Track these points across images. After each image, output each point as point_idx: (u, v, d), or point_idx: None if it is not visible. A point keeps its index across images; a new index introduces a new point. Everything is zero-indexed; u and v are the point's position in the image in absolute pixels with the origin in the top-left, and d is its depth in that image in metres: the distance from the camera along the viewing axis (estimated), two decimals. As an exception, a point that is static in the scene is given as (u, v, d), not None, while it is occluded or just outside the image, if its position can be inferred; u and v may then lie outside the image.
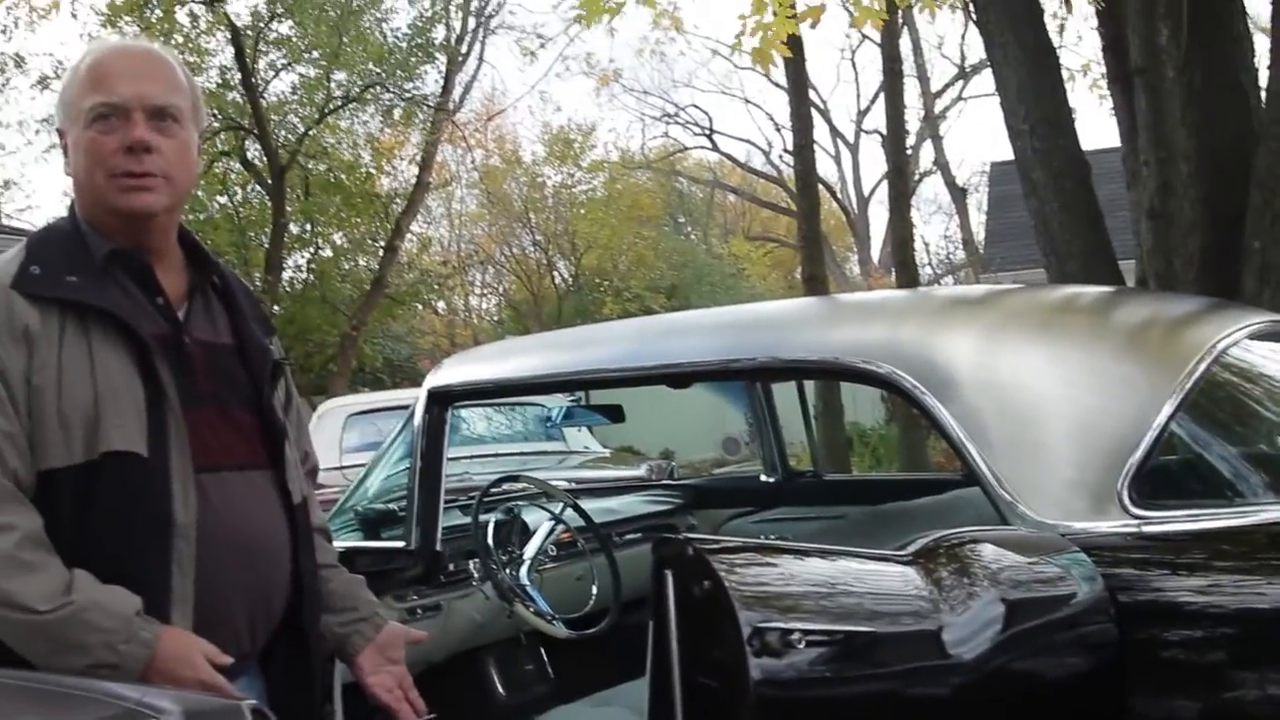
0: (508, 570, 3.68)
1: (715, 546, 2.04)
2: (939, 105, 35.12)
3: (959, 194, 34.51)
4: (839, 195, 38.38)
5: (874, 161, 47.60)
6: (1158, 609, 2.19)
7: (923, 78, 33.33)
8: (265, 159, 22.44)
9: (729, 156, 39.09)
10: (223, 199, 23.97)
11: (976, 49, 32.39)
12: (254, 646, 2.36)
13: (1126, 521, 2.27)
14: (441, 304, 34.97)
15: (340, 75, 23.72)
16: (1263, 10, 8.43)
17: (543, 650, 4.16)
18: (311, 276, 25.18)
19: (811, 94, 20.02)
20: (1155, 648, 2.18)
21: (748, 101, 63.15)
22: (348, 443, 11.85)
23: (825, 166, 35.56)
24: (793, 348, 2.89)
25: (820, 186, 20.05)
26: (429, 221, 34.12)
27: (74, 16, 23.63)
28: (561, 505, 3.87)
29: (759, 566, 2.08)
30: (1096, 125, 36.27)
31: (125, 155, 2.30)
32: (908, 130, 20.54)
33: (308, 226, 24.96)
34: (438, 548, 3.44)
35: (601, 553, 3.79)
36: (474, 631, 3.83)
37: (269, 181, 22.60)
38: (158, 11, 21.19)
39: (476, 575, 3.72)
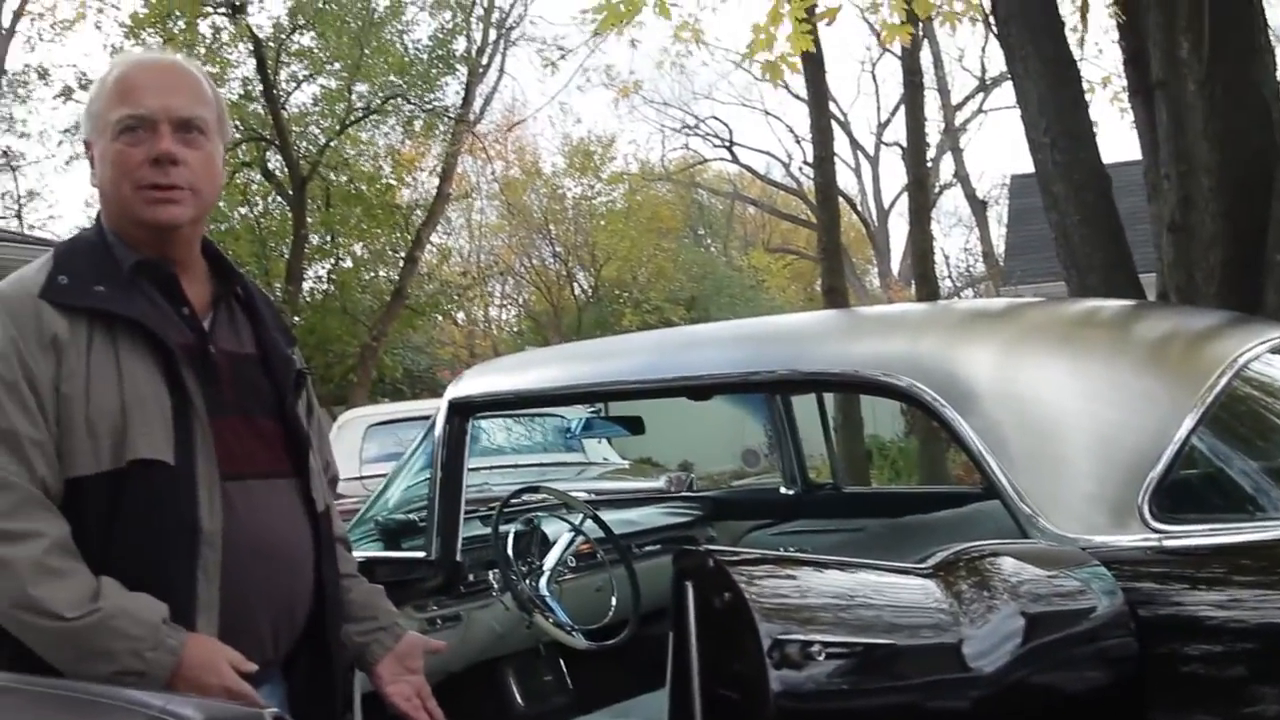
0: (527, 581, 3.69)
1: (736, 558, 2.04)
2: (959, 118, 35.12)
3: (979, 207, 34.48)
4: (859, 208, 38.34)
5: (894, 174, 47.58)
6: (1178, 623, 2.18)
7: (943, 90, 33.31)
8: (286, 170, 22.55)
9: (749, 168, 39.11)
10: (244, 210, 24.08)
11: (997, 61, 32.45)
12: (277, 654, 2.37)
13: (1147, 536, 2.27)
14: (461, 315, 35.03)
15: (361, 87, 23.84)
16: (1285, 23, 8.41)
17: (562, 661, 4.16)
18: (332, 287, 25.27)
19: (832, 106, 19.99)
20: (1175, 662, 2.18)
21: (768, 114, 63.08)
22: (368, 453, 11.85)
23: (845, 179, 35.55)
24: (813, 360, 2.89)
25: (840, 199, 20.08)
26: (449, 232, 34.23)
27: (98, 28, 23.84)
28: (581, 516, 3.87)
29: (779, 579, 2.08)
30: (1117, 138, 36.17)
31: (152, 167, 2.31)
32: (928, 143, 20.57)
33: (328, 237, 25.05)
34: (458, 558, 3.44)
35: (621, 564, 3.79)
36: (493, 642, 3.84)
37: (290, 192, 22.71)
38: (180, 23, 21.31)
39: (496, 586, 3.73)
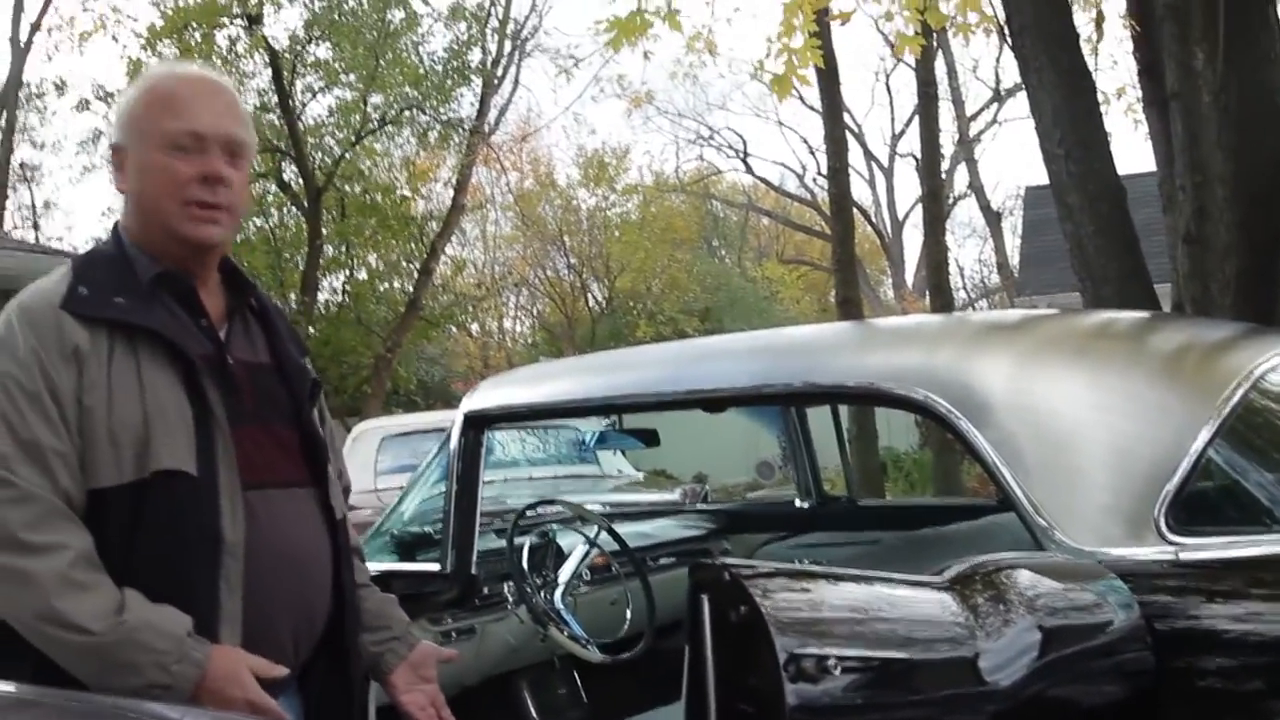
0: (542, 594, 3.69)
1: (751, 571, 2.04)
2: (973, 129, 35.08)
3: (993, 217, 34.44)
4: (873, 219, 38.33)
5: (908, 185, 47.50)
6: (1195, 636, 2.18)
7: (957, 101, 33.27)
8: (302, 181, 22.59)
9: (763, 179, 39.14)
10: (259, 220, 24.11)
11: (1011, 72, 32.46)
12: (296, 663, 2.37)
13: (1163, 548, 2.26)
14: (475, 326, 35.06)
15: (377, 98, 23.85)
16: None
17: (576, 674, 4.16)
18: (347, 298, 25.28)
19: (846, 117, 20.00)
20: (1192, 676, 2.17)
21: (782, 125, 63.09)
22: (382, 465, 11.87)
23: (859, 190, 35.60)
24: (828, 373, 2.89)
25: (854, 210, 20.03)
26: (463, 244, 34.32)
27: (115, 40, 23.95)
28: (596, 529, 3.88)
29: (794, 592, 2.07)
30: (1132, 149, 36.13)
31: (200, 185, 2.34)
32: (942, 154, 20.55)
33: (343, 248, 25.07)
34: (473, 571, 3.45)
35: (636, 577, 3.79)
36: (508, 655, 3.84)
37: (305, 203, 22.74)
38: (197, 35, 21.39)
39: (511, 599, 3.73)
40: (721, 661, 1.98)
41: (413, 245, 25.73)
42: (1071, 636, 2.14)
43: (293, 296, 22.17)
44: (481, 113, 26.08)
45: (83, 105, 23.99)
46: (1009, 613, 2.09)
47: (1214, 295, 5.85)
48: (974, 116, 35.15)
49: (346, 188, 24.16)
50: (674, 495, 5.39)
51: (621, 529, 3.93)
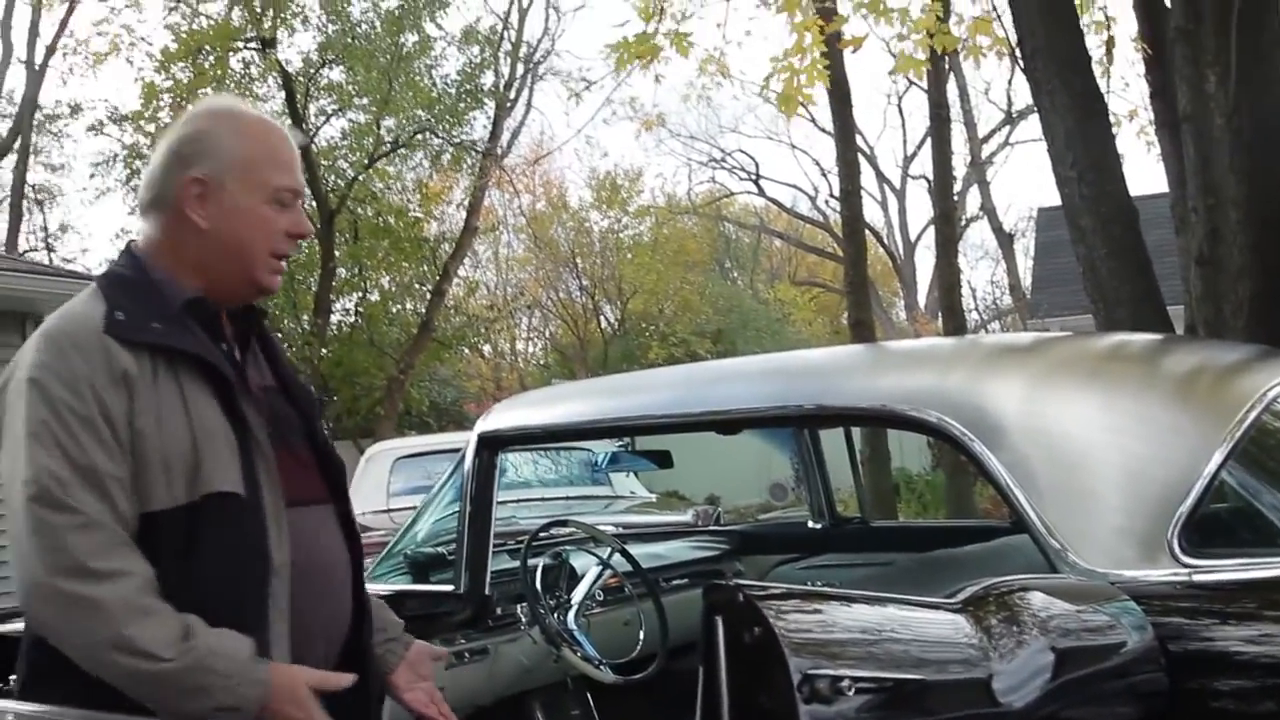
0: (555, 615, 3.69)
1: (765, 593, 2.05)
2: (986, 150, 35.12)
3: (1006, 239, 34.44)
4: (885, 240, 38.35)
5: (920, 207, 47.52)
6: (1208, 658, 2.18)
7: (969, 123, 33.32)
8: (314, 203, 22.66)
9: (775, 201, 39.19)
10: (273, 243, 24.15)
11: (1023, 94, 32.37)
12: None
13: (1177, 570, 2.26)
14: (488, 348, 35.13)
15: (390, 121, 23.97)
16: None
17: (589, 695, 4.15)
18: (359, 320, 25.38)
19: (858, 139, 20.04)
20: (1205, 698, 2.17)
21: (794, 147, 62.90)
22: (395, 486, 11.89)
23: (872, 212, 35.52)
24: (841, 395, 2.90)
25: (867, 232, 20.06)
26: (476, 266, 34.38)
27: (129, 63, 24.05)
28: (609, 550, 3.88)
29: (808, 613, 2.08)
30: (1144, 171, 36.11)
31: (288, 240, 2.42)
32: (954, 175, 20.60)
33: (356, 270, 25.17)
34: (486, 592, 3.45)
35: (649, 598, 3.79)
36: (521, 676, 3.83)
37: (318, 226, 22.80)
38: (211, 58, 21.52)
39: (524, 619, 3.73)
40: (735, 683, 1.98)
41: (425, 267, 25.83)
42: (1085, 658, 2.14)
43: (305, 318, 22.24)
44: (494, 135, 26.20)
45: (97, 128, 24.13)
46: (1022, 634, 2.09)
47: (1227, 317, 5.85)
48: (986, 138, 35.23)
49: (359, 210, 24.27)
50: (687, 516, 5.40)
51: (634, 550, 3.93)
